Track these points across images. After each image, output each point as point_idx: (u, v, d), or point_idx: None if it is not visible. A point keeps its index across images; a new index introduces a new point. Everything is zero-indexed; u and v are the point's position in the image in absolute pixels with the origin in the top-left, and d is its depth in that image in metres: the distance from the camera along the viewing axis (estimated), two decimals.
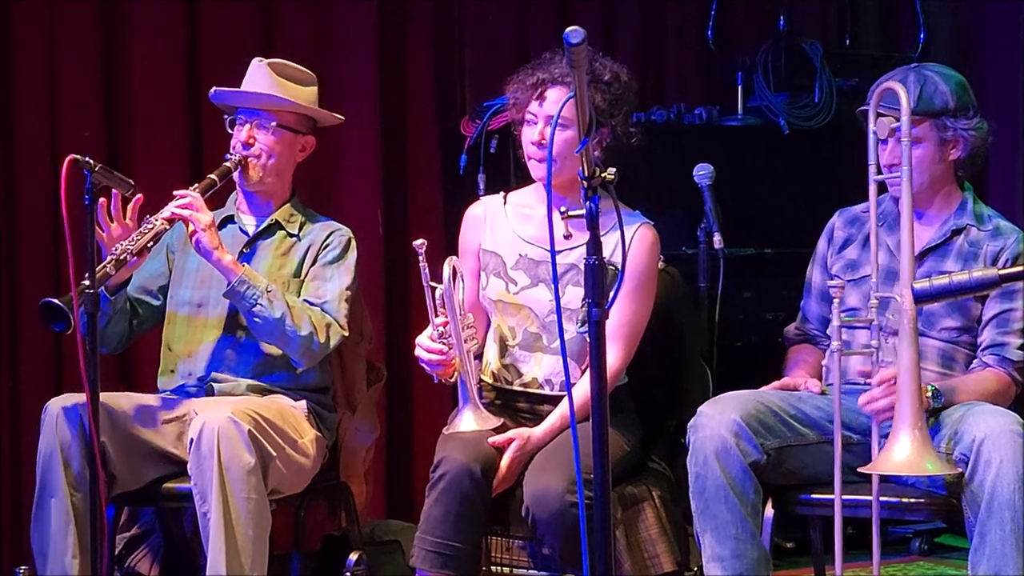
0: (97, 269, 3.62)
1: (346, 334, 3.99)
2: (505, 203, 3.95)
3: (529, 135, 3.78)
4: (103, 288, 3.75)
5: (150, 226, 3.81)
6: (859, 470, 3.37)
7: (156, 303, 4.11)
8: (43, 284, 4.58)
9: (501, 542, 3.93)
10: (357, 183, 5.19)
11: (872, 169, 3.49)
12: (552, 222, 2.87)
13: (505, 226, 3.90)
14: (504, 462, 3.67)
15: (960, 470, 3.40)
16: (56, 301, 3.63)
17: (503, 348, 3.88)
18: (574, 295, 3.76)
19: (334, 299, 4.00)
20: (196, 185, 3.94)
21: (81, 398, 3.64)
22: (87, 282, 3.56)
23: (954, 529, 3.81)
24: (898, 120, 3.45)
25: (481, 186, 4.90)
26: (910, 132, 3.41)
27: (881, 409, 3.43)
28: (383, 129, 5.22)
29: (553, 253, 2.87)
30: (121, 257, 3.74)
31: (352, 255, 4.08)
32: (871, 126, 3.50)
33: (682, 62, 5.76)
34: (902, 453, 3.21)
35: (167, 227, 3.85)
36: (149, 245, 3.81)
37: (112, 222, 3.82)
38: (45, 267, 4.68)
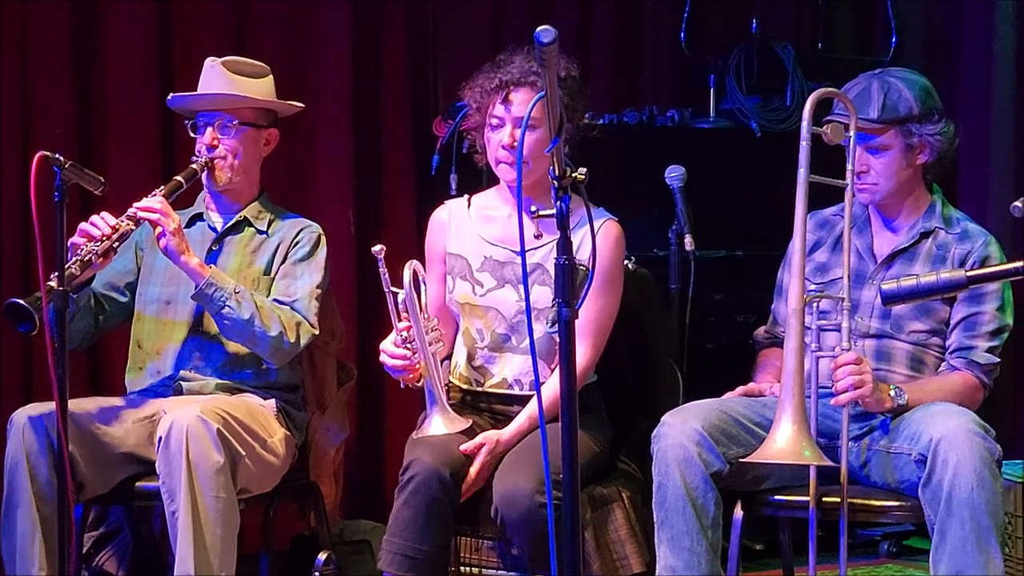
0: (65, 268, 3.60)
1: (316, 332, 3.99)
2: (469, 206, 3.95)
3: (498, 139, 3.77)
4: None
5: (116, 228, 3.79)
6: (741, 460, 3.44)
7: (123, 299, 4.09)
8: (12, 281, 4.57)
9: (470, 542, 3.93)
10: (330, 183, 5.18)
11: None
12: (522, 223, 2.87)
13: (469, 229, 3.90)
14: (474, 468, 3.67)
15: (835, 464, 3.43)
16: (22, 302, 3.61)
17: (472, 351, 3.88)
18: (541, 294, 3.77)
19: (304, 297, 3.99)
20: (162, 188, 3.93)
21: (48, 407, 3.64)
22: (53, 282, 3.54)
23: (922, 531, 3.82)
24: (847, 130, 3.49)
25: (453, 186, 4.90)
26: (809, 134, 3.43)
27: (847, 387, 3.44)
28: (356, 129, 5.22)
29: (523, 253, 2.87)
30: (86, 259, 3.73)
31: (322, 252, 4.07)
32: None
33: (655, 64, 5.77)
34: (782, 442, 3.25)
35: (133, 228, 3.84)
36: (115, 246, 3.80)
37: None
38: (15, 264, 4.66)
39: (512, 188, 3.82)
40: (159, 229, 3.83)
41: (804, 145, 3.42)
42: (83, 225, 3.79)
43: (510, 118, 3.74)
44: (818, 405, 3.57)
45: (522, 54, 3.80)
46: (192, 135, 4.08)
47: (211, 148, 4.03)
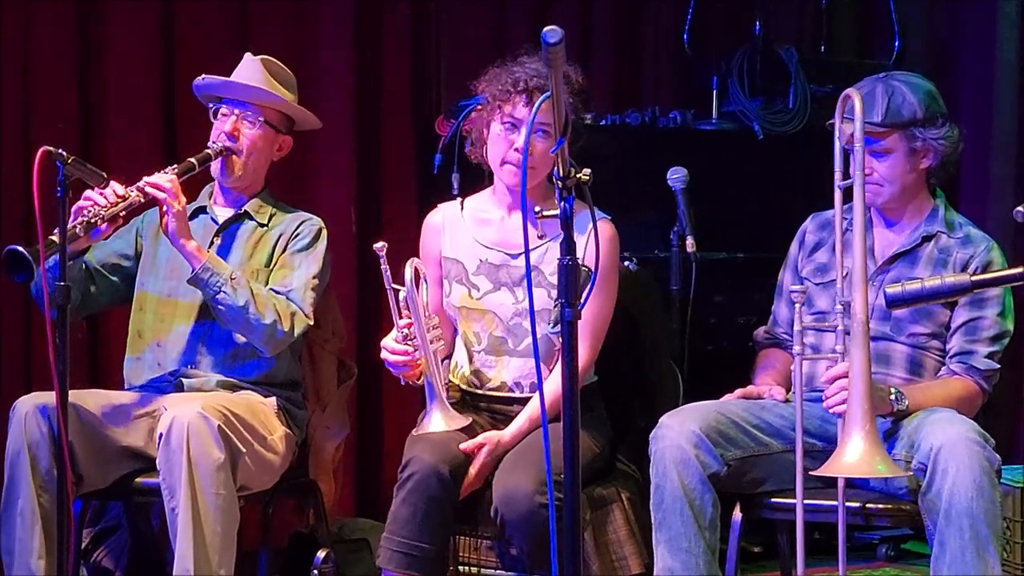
0: (68, 229, 3.57)
1: (311, 322, 3.98)
2: (462, 209, 3.94)
3: (510, 139, 3.75)
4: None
5: (125, 196, 3.79)
6: (812, 473, 3.36)
7: (113, 279, 4.08)
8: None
9: (469, 542, 3.94)
10: (332, 181, 5.18)
11: (838, 176, 3.49)
12: (526, 225, 2.86)
13: (464, 232, 3.90)
14: (474, 468, 3.67)
15: (911, 474, 3.42)
16: (21, 249, 3.58)
17: (469, 354, 3.88)
18: (537, 296, 3.76)
19: (300, 287, 3.99)
20: (175, 166, 3.93)
21: (50, 397, 3.62)
22: (55, 237, 3.52)
23: (920, 535, 3.83)
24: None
25: (455, 185, 4.89)
26: (863, 139, 3.40)
27: (836, 404, 3.42)
28: (358, 127, 5.22)
29: (527, 253, 2.86)
30: (92, 220, 3.72)
31: (322, 245, 4.08)
32: (837, 134, 3.50)
33: (658, 65, 5.77)
34: (853, 455, 3.20)
35: (141, 200, 3.83)
36: (121, 214, 3.79)
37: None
38: None
39: (510, 190, 3.81)
40: (164, 208, 3.82)
41: (858, 148, 3.39)
42: (89, 192, 3.77)
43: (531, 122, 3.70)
44: (815, 409, 3.58)
45: (533, 57, 3.78)
46: (213, 120, 4.09)
47: (231, 137, 4.04)
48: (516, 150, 3.73)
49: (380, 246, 3.61)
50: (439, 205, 4.02)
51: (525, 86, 3.73)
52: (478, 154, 3.89)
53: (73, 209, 3.69)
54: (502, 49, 5.35)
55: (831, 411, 3.45)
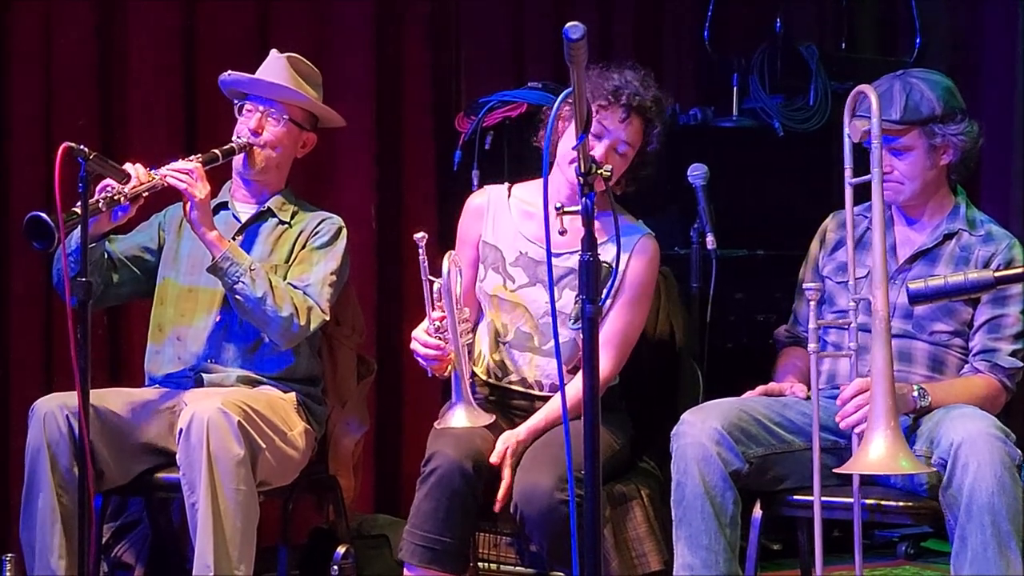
0: (90, 203, 3.56)
1: (327, 318, 3.99)
2: (509, 195, 3.93)
3: (592, 145, 3.69)
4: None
5: (149, 179, 3.79)
6: (835, 471, 3.34)
7: (135, 271, 4.09)
8: (35, 274, 4.58)
9: (489, 538, 3.94)
10: (352, 177, 5.19)
11: (848, 173, 3.47)
12: (548, 226, 2.85)
13: (508, 221, 3.89)
14: (506, 474, 3.66)
15: (935, 470, 3.41)
16: (43, 216, 3.57)
17: (493, 343, 3.88)
18: (571, 299, 3.75)
19: (317, 282, 3.99)
20: (199, 155, 3.94)
21: (69, 397, 3.63)
22: (77, 209, 3.52)
23: (940, 533, 3.82)
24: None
25: (475, 182, 4.90)
26: (880, 135, 3.37)
27: (856, 423, 3.40)
28: (378, 124, 5.23)
29: (549, 255, 2.86)
30: (115, 197, 3.72)
31: (341, 243, 4.08)
32: (847, 131, 3.49)
33: (678, 62, 5.77)
34: (877, 452, 3.18)
35: (164, 184, 3.82)
36: (144, 195, 3.79)
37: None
38: (37, 257, 4.67)
39: (571, 185, 3.73)
40: (186, 196, 3.82)
41: (876, 144, 3.37)
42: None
43: (613, 139, 3.72)
44: (831, 405, 3.57)
45: (638, 74, 3.78)
46: (238, 116, 4.09)
47: (255, 133, 4.05)
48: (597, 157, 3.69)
49: (420, 236, 3.60)
50: (485, 187, 4.01)
51: (627, 101, 3.71)
52: (542, 139, 3.87)
53: (96, 188, 3.70)
54: (522, 47, 5.39)
55: (846, 429, 3.44)
